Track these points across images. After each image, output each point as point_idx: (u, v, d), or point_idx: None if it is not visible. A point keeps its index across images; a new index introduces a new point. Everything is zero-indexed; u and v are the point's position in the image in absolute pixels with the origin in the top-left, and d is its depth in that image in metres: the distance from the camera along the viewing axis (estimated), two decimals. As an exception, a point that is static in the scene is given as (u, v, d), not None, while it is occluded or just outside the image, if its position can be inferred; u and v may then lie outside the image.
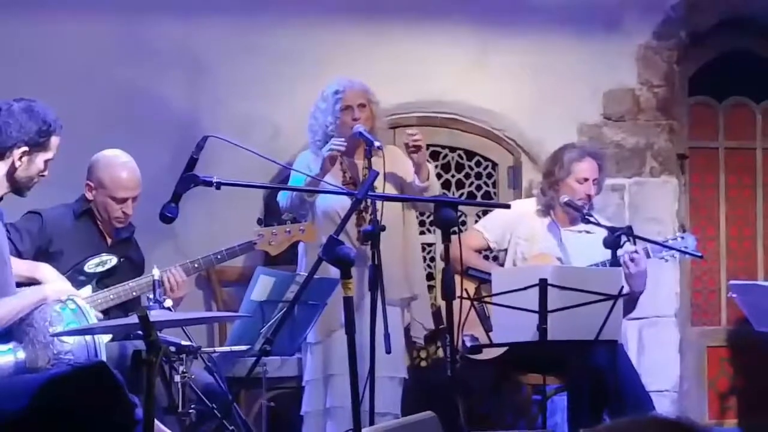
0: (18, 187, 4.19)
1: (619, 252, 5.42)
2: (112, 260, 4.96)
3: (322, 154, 5.45)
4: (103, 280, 4.93)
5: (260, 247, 5.12)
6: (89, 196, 5.07)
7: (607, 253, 5.37)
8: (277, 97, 6.27)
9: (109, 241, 5.11)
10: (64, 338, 4.02)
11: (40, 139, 4.13)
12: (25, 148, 4.12)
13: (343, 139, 5.45)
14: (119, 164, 5.06)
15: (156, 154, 5.79)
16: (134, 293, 4.92)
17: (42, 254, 4.91)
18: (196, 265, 5.03)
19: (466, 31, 6.55)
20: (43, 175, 4.22)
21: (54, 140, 4.18)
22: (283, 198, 5.57)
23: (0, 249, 4.16)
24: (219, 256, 5.04)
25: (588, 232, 5.76)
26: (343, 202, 5.46)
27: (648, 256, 5.64)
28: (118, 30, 6.13)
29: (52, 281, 4.37)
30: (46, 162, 4.19)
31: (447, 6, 6.51)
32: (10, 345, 4.05)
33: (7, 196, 4.23)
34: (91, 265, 4.90)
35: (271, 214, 5.95)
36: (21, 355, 4.03)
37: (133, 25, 6.15)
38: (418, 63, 6.49)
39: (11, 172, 4.15)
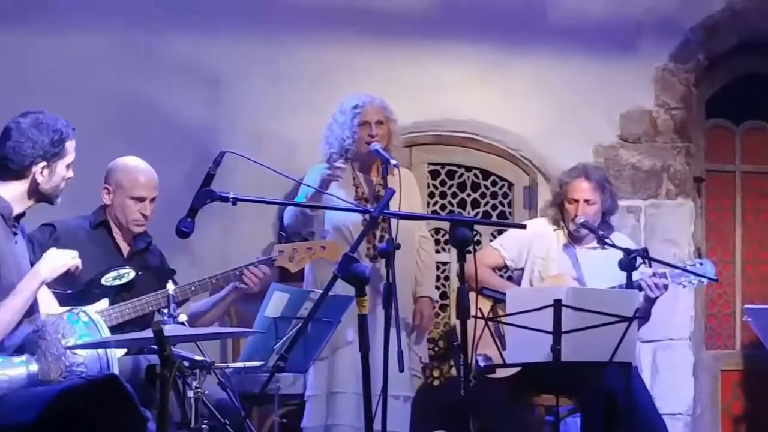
0: (46, 198, 4.20)
1: (635, 274, 5.41)
2: (129, 274, 4.95)
3: (320, 180, 5.43)
4: (120, 293, 4.93)
5: (280, 263, 5.12)
6: (107, 200, 5.07)
7: (624, 273, 5.37)
8: (293, 114, 6.28)
9: (126, 252, 5.11)
10: (77, 351, 4.01)
11: (56, 149, 4.14)
12: (44, 163, 4.13)
13: (342, 168, 5.42)
14: (136, 165, 5.09)
15: (173, 169, 5.80)
16: (150, 308, 4.91)
17: None
18: (214, 281, 5.03)
19: (483, 50, 6.56)
20: (69, 178, 4.22)
21: (69, 145, 4.19)
22: (287, 215, 5.57)
23: (22, 264, 4.18)
24: (238, 272, 5.05)
25: (603, 248, 5.75)
26: (354, 218, 5.46)
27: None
28: (135, 45, 6.15)
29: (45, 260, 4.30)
30: (67, 166, 4.20)
31: (464, 25, 6.52)
32: (23, 357, 4.05)
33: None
34: (109, 278, 4.90)
35: (287, 230, 5.95)
36: (33, 367, 4.02)
37: (151, 40, 6.17)
38: (434, 82, 6.50)
39: (34, 187, 4.16)
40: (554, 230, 5.89)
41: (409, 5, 6.45)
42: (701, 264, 5.68)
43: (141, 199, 5.04)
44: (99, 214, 5.10)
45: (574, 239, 5.85)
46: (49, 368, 4.01)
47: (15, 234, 4.15)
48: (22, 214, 4.19)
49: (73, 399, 3.88)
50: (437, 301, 6.57)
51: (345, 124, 5.59)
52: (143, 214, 5.04)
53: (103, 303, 4.83)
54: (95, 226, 5.08)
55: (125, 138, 5.95)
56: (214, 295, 5.13)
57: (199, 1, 6.24)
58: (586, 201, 5.75)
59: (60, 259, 4.23)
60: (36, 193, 4.17)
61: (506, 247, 5.93)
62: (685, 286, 5.73)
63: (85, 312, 4.17)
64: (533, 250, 5.85)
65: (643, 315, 5.42)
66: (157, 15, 6.19)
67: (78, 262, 4.31)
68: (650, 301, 5.62)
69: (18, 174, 4.13)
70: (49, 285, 4.38)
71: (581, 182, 5.78)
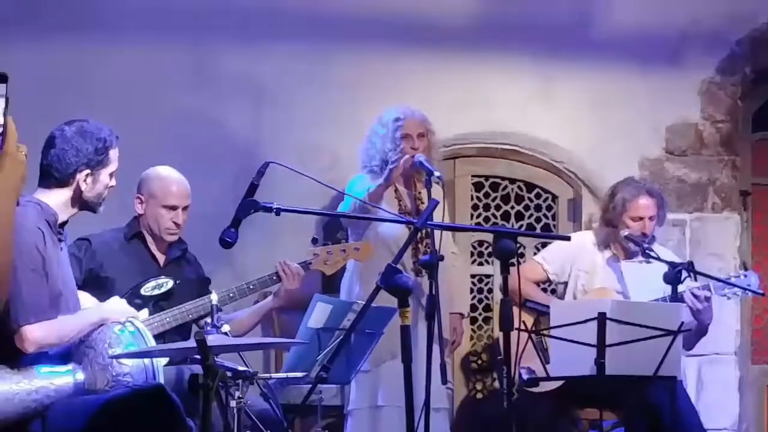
0: (89, 206, 4.23)
1: (680, 288, 5.38)
2: (168, 283, 4.98)
3: (386, 171, 5.46)
4: (159, 302, 4.96)
5: (315, 266, 5.14)
6: (139, 209, 5.09)
7: (668, 286, 5.33)
8: (336, 126, 6.30)
9: (161, 261, 5.13)
10: (123, 360, 4.03)
11: (99, 157, 4.17)
12: (87, 171, 4.16)
13: (401, 154, 5.46)
14: (168, 175, 5.13)
15: (218, 180, 5.84)
16: (190, 316, 4.95)
17: (93, 280, 4.92)
18: (251, 287, 5.06)
19: (527, 62, 6.55)
20: (111, 187, 4.25)
21: (113, 153, 4.21)
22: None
23: (65, 270, 4.21)
24: (274, 277, 5.08)
25: (647, 261, 5.72)
26: (399, 230, 5.46)
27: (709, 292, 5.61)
28: (183, 58, 6.20)
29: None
30: (110, 175, 4.23)
31: (509, 38, 6.51)
32: (70, 366, 4.07)
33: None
34: (148, 288, 4.93)
35: (329, 239, 5.97)
36: (80, 376, 4.05)
37: (198, 53, 6.21)
38: (478, 94, 6.50)
39: (78, 195, 4.19)
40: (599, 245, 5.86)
41: (452, 18, 6.46)
42: (746, 276, 5.64)
43: (173, 208, 5.06)
44: (133, 225, 5.13)
45: (626, 253, 5.79)
46: (96, 378, 4.03)
47: (61, 241, 4.19)
48: (65, 222, 4.23)
49: (120, 408, 3.90)
50: (468, 315, 6.53)
51: (387, 136, 5.60)
52: (176, 223, 5.07)
53: (143, 313, 4.85)
54: (130, 238, 5.11)
55: (173, 148, 6.00)
56: (254, 306, 5.15)
57: (246, 17, 6.27)
58: (650, 218, 5.74)
59: (124, 309, 4.28)
60: (79, 201, 4.20)
61: (549, 260, 5.91)
62: (729, 298, 5.70)
63: (131, 322, 4.19)
64: (577, 264, 5.83)
65: (697, 332, 5.42)
66: (207, 30, 6.22)
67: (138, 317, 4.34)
68: (701, 317, 5.56)
69: (62, 182, 4.16)
70: (93, 292, 4.43)
71: (646, 199, 5.73)
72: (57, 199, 4.17)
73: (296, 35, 6.30)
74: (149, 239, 5.11)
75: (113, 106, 5.87)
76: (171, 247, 5.14)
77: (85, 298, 4.43)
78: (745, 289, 5.60)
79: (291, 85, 6.32)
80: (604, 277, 5.79)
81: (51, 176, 4.17)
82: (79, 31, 6.10)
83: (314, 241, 5.29)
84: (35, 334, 3.99)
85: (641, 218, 5.74)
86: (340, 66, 6.35)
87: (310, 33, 6.32)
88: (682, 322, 4.85)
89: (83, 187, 4.17)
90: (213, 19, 6.24)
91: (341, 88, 6.35)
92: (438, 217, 5.45)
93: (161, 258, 5.13)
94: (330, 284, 5.95)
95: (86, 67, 6.09)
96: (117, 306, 4.29)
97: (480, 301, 6.63)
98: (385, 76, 6.37)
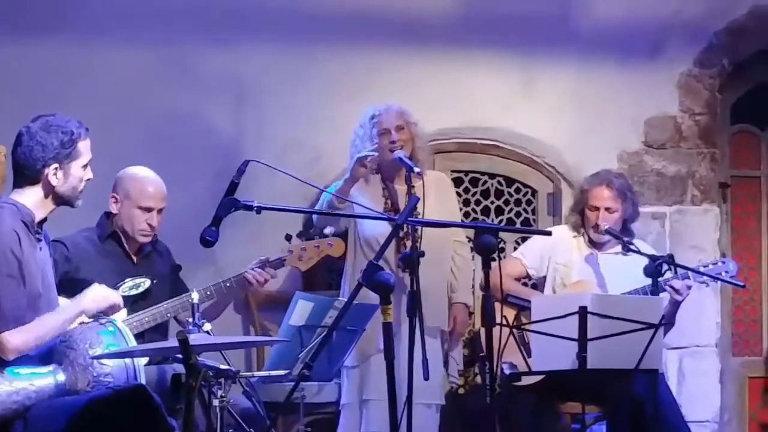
0: (65, 200, 4.18)
1: (661, 280, 5.40)
2: (145, 283, 4.97)
3: (351, 164, 5.46)
4: (137, 302, 4.95)
5: (290, 263, 5.16)
6: (114, 209, 5.07)
7: (645, 277, 5.35)
8: (318, 123, 6.29)
9: (135, 258, 5.12)
10: (104, 361, 4.02)
11: (67, 150, 4.10)
12: (56, 165, 4.10)
13: (374, 150, 5.43)
14: (145, 176, 5.11)
15: (199, 178, 5.83)
16: (169, 315, 4.95)
17: (69, 282, 4.89)
18: (228, 284, 5.05)
19: (507, 58, 6.55)
20: (88, 179, 4.20)
21: (82, 145, 4.14)
22: (315, 216, 5.62)
23: (46, 270, 4.19)
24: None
25: (624, 254, 5.73)
26: (385, 229, 5.45)
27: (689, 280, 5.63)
28: (164, 56, 6.18)
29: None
30: (84, 167, 4.16)
31: (488, 33, 6.51)
32: (51, 367, 4.06)
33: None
34: (126, 288, 4.92)
35: (316, 226, 5.96)
36: (61, 377, 4.03)
37: (180, 51, 6.19)
38: (458, 89, 6.50)
39: (50, 190, 4.15)
40: (575, 237, 5.88)
41: (433, 14, 6.46)
42: (723, 262, 5.67)
43: (148, 210, 5.05)
44: (105, 225, 5.11)
45: (594, 245, 5.84)
46: (77, 378, 4.02)
47: (39, 240, 4.16)
48: (44, 220, 4.20)
49: (101, 409, 3.89)
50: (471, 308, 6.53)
51: (366, 135, 5.59)
52: (150, 225, 5.05)
53: (123, 313, 4.84)
54: (105, 239, 5.09)
55: (154, 146, 5.99)
56: None
57: (227, 15, 6.26)
58: (607, 209, 5.74)
59: (104, 293, 4.26)
60: (54, 196, 4.15)
61: (527, 255, 5.92)
62: (708, 285, 5.73)
63: (112, 322, 4.17)
64: (554, 258, 5.84)
65: (668, 320, 5.41)
66: (188, 28, 6.20)
67: (121, 302, 4.31)
68: (675, 305, 5.60)
69: (32, 179, 4.12)
70: (70, 295, 4.41)
71: (603, 190, 5.77)
72: (32, 198, 4.13)
73: (277, 32, 6.29)
74: (123, 239, 5.09)
75: (95, 104, 5.85)
76: (143, 244, 5.13)
77: (61, 302, 4.40)
78: (727, 282, 5.63)
79: (272, 83, 6.30)
80: (581, 270, 5.80)
81: (22, 175, 4.13)
82: (61, 30, 6.07)
83: (288, 237, 5.30)
84: (14, 341, 3.97)
85: (597, 208, 5.76)
86: (321, 63, 6.34)
87: (291, 30, 6.30)
88: (663, 315, 4.87)
89: (54, 181, 4.12)
90: (194, 18, 6.22)
91: (322, 86, 6.34)
92: (451, 208, 5.51)
93: (135, 255, 5.12)
94: (310, 281, 5.95)
95: (68, 66, 6.07)
96: (97, 293, 4.24)
97: (463, 295, 6.62)
98: (365, 73, 6.36)
